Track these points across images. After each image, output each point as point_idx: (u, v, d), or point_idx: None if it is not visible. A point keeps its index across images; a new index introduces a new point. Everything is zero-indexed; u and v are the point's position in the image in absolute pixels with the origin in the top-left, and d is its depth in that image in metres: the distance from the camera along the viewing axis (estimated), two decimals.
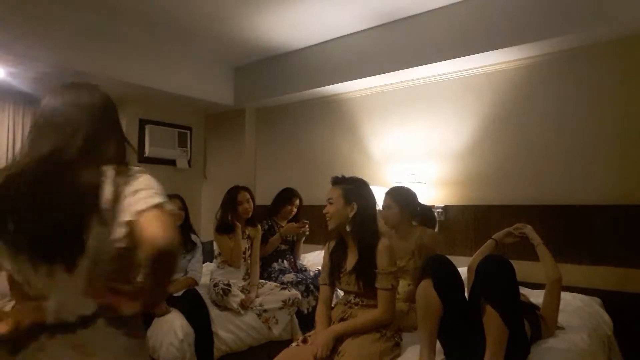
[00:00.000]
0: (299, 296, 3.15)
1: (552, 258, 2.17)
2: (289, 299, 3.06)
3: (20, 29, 3.19)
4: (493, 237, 2.34)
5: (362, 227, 2.02)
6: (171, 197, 3.18)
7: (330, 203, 2.05)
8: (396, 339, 1.96)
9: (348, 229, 2.04)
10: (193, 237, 3.20)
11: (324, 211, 2.07)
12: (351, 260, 2.03)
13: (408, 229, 2.54)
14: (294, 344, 2.01)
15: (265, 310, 2.96)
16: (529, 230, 2.28)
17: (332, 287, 2.13)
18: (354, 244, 2.05)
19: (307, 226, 3.57)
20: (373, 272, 1.95)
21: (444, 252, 2.17)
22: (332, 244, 2.16)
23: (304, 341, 1.99)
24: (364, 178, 2.17)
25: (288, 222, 3.67)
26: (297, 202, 3.72)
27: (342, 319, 1.99)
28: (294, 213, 3.69)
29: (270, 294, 3.08)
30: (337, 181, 2.11)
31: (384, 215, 2.57)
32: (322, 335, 1.88)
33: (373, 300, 1.96)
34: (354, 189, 2.07)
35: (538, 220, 2.72)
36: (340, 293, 2.20)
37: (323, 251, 2.21)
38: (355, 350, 1.81)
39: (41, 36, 3.30)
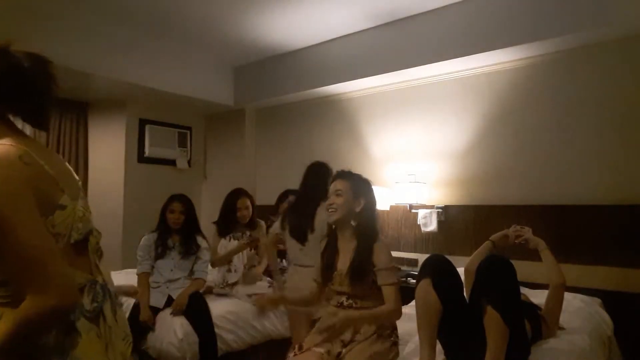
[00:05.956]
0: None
1: (556, 263, 2.16)
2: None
3: (20, 29, 3.18)
4: (490, 238, 2.32)
5: (368, 224, 2.01)
6: (175, 197, 3.11)
7: (338, 195, 2.01)
8: (393, 338, 1.93)
9: (353, 223, 2.02)
10: (198, 239, 3.10)
11: (330, 202, 2.03)
12: (343, 260, 1.98)
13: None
14: (291, 354, 1.95)
15: (255, 294, 3.02)
16: (529, 234, 2.25)
17: (324, 286, 2.06)
18: (349, 242, 2.00)
19: None
20: (368, 272, 1.90)
21: (443, 252, 2.17)
22: (324, 243, 2.12)
23: (301, 349, 1.93)
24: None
25: None
26: None
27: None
28: None
29: (259, 284, 3.21)
30: (345, 175, 2.08)
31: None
32: (342, 315, 1.81)
33: (367, 302, 1.91)
34: (362, 185, 2.07)
35: (538, 220, 2.72)
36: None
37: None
38: (356, 355, 1.80)
39: (41, 36, 3.29)
